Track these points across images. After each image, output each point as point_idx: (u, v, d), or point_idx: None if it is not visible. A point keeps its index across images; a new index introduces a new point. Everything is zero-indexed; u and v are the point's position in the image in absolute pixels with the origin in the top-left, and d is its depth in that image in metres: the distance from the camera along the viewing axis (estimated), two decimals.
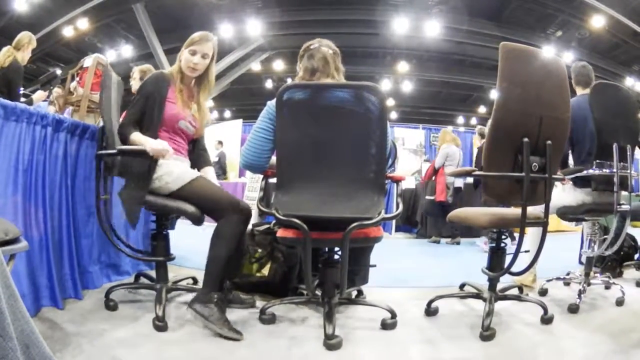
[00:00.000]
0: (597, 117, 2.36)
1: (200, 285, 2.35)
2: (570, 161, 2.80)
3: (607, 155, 2.33)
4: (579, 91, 2.87)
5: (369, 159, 1.88)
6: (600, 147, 2.36)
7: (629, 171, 2.34)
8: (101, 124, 2.30)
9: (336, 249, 2.05)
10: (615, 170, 2.29)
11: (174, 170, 2.05)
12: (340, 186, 1.87)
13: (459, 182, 5.81)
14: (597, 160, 2.36)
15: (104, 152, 2.17)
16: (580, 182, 2.54)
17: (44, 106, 3.88)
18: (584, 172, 2.44)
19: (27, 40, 3.89)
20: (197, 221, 2.07)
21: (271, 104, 2.00)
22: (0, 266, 0.91)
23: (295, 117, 1.89)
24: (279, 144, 1.93)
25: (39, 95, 3.94)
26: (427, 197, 5.74)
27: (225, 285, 2.20)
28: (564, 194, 2.64)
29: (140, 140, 2.01)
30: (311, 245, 1.81)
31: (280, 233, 1.96)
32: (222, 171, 8.46)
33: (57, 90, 3.85)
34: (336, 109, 1.86)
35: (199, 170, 2.31)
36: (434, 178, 5.74)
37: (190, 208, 2.03)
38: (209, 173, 2.34)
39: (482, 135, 5.98)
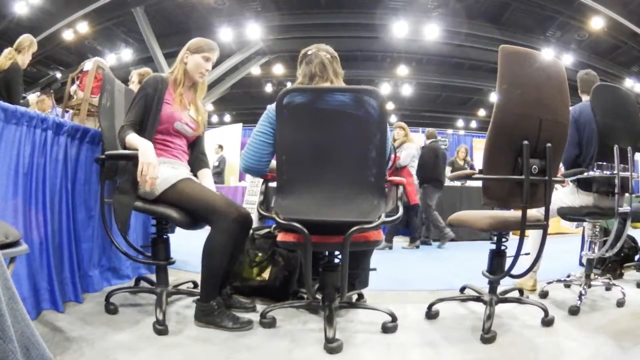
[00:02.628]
0: (598, 119, 2.35)
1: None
2: None
3: (608, 157, 2.32)
4: (584, 98, 2.85)
5: (369, 162, 1.88)
6: (601, 149, 2.35)
7: (629, 173, 2.33)
8: None
9: (336, 252, 2.05)
10: (616, 172, 2.28)
11: (159, 175, 1.98)
12: (341, 190, 1.87)
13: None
14: (598, 162, 2.35)
15: (100, 156, 2.11)
16: (583, 184, 2.54)
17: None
18: (585, 174, 2.44)
19: (29, 43, 3.90)
20: (187, 226, 2.02)
21: (271, 107, 2.00)
22: (0, 268, 0.91)
23: (295, 121, 1.89)
24: (279, 148, 1.93)
25: (33, 98, 3.97)
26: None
27: (225, 291, 2.20)
28: (565, 195, 2.64)
29: (134, 142, 1.96)
30: (311, 249, 1.80)
31: (281, 237, 1.96)
32: (218, 176, 8.40)
33: (34, 96, 3.88)
34: (336, 113, 1.86)
35: (195, 173, 2.29)
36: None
37: (173, 213, 1.95)
38: (206, 176, 2.31)
39: (428, 136, 6.11)
